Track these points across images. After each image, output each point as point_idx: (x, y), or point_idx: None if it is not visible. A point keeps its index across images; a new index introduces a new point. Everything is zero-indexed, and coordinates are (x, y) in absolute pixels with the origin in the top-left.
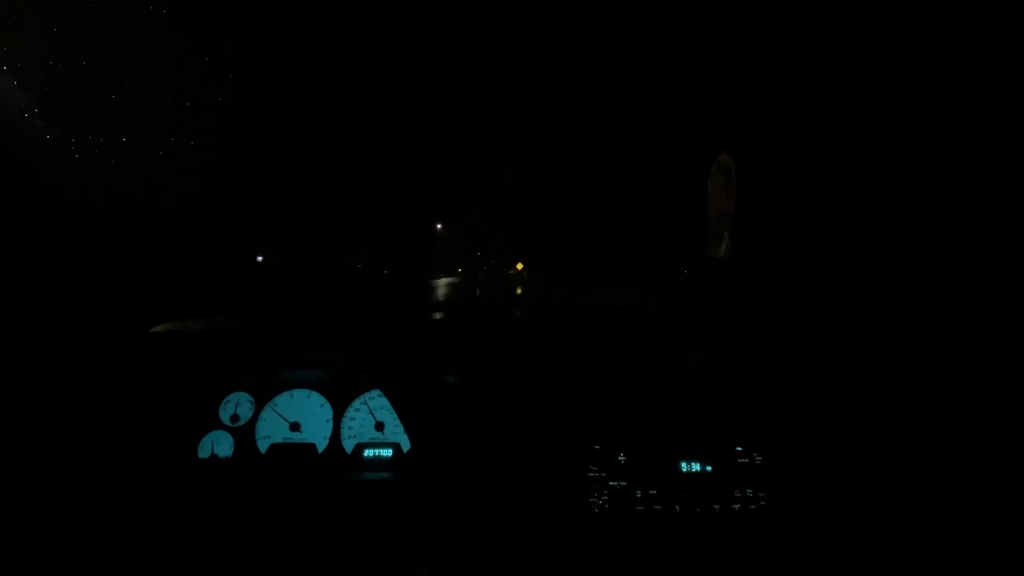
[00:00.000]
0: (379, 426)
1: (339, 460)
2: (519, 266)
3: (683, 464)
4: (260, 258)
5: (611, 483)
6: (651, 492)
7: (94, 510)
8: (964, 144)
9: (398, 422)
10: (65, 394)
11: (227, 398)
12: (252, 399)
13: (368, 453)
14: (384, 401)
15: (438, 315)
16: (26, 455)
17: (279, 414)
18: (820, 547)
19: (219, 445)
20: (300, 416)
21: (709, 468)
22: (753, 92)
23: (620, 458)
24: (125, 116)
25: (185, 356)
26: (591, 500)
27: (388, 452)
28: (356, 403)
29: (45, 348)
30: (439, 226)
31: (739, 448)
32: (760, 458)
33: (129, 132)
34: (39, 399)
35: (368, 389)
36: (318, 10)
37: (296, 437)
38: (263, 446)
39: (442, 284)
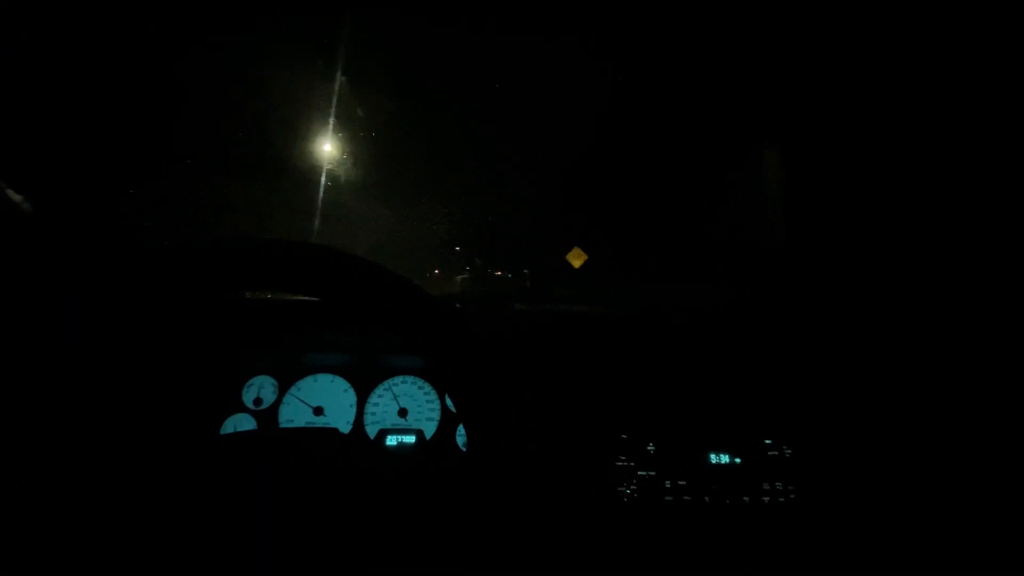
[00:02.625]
0: (403, 412)
1: (362, 445)
2: (576, 259)
3: (712, 456)
4: None
5: (640, 472)
6: (680, 483)
7: (119, 490)
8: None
9: (422, 408)
10: (87, 376)
11: (250, 381)
12: (276, 383)
13: (391, 439)
14: (407, 387)
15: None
16: (45, 440)
17: (302, 398)
18: (850, 540)
19: (242, 428)
20: (323, 400)
21: (738, 460)
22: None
23: (649, 448)
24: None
25: (209, 339)
26: (620, 489)
27: (411, 439)
28: (380, 389)
29: (67, 331)
30: (324, 168)
31: (768, 441)
32: (789, 451)
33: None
34: (59, 382)
35: (393, 375)
36: None
37: (319, 421)
38: None
39: None
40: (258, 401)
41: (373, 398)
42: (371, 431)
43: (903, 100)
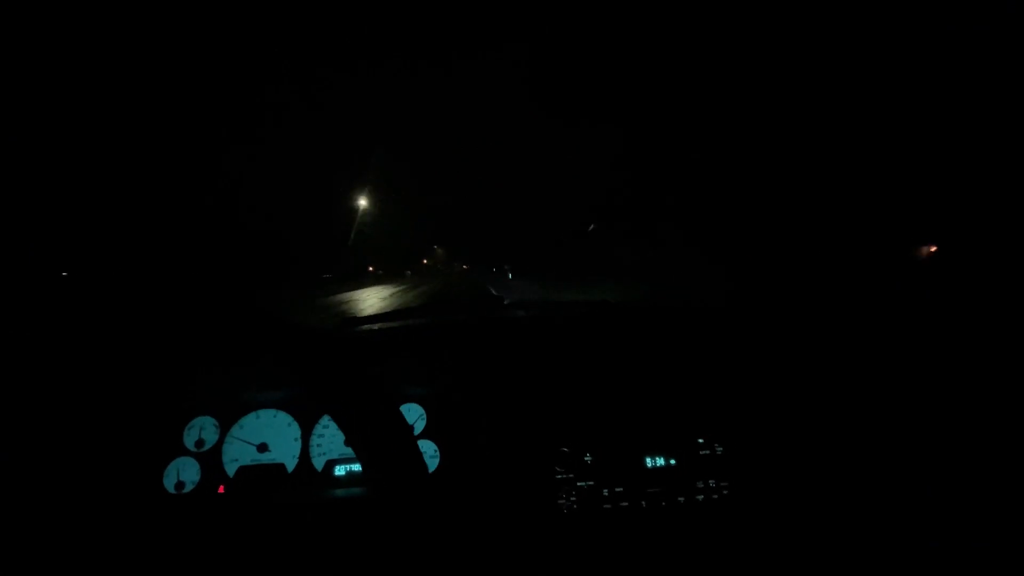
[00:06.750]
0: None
1: (310, 479)
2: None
3: (648, 459)
4: None
5: (579, 484)
6: (618, 489)
7: (62, 546)
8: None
9: None
10: (28, 424)
11: (191, 423)
12: (217, 422)
13: (339, 469)
14: None
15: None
16: None
17: (245, 437)
18: (782, 532)
19: (185, 472)
20: (267, 436)
21: (673, 461)
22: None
23: (587, 458)
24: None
25: (145, 383)
26: (560, 502)
27: (359, 467)
28: (324, 420)
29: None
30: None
31: (701, 440)
32: (721, 448)
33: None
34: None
35: None
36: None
37: (265, 458)
38: (231, 469)
39: None
40: (200, 443)
41: (318, 429)
42: (318, 463)
43: None
